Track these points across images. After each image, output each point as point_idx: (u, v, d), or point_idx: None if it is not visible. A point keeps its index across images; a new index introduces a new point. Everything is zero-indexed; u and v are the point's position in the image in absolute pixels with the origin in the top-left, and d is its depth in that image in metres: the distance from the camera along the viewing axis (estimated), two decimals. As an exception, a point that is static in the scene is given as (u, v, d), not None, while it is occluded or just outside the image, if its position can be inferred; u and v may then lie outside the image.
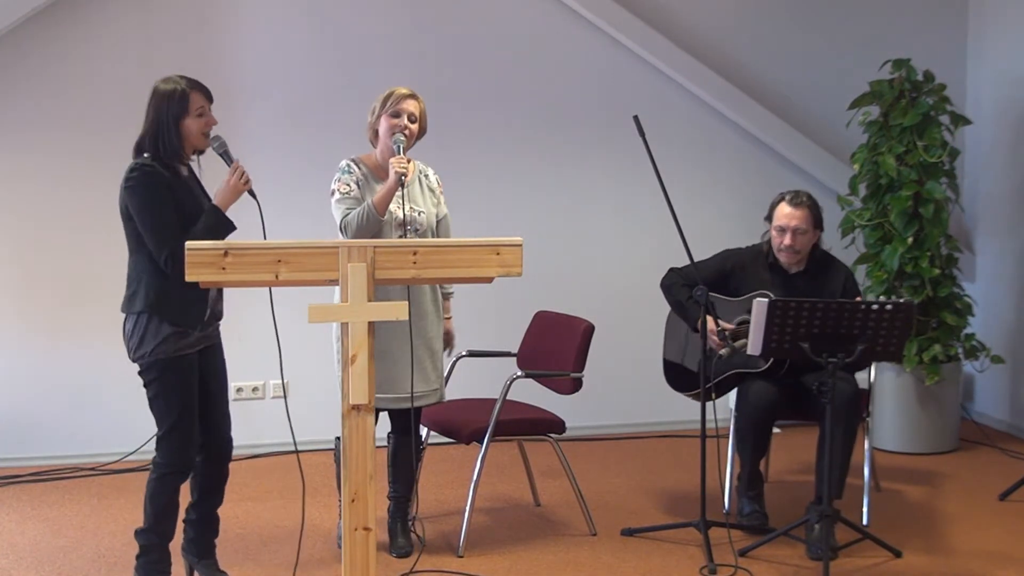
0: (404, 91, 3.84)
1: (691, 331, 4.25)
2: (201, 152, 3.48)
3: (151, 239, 3.29)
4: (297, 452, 3.46)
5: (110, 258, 4.91)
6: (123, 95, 5.17)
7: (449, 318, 4.10)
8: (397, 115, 3.80)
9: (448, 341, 4.11)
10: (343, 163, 3.90)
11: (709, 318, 3.99)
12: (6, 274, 5.22)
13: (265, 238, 3.30)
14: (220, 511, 3.69)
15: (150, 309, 3.32)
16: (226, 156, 3.44)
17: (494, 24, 5.64)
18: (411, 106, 3.82)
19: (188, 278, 2.59)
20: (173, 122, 3.34)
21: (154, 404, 3.39)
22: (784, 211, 4.18)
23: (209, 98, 3.43)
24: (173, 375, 3.36)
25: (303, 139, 5.44)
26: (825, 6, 6.00)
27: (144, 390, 3.41)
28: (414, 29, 5.55)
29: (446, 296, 4.10)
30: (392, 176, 3.67)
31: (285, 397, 3.61)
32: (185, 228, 3.29)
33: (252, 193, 3.42)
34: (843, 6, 6.01)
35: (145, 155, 3.36)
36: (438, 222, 3.97)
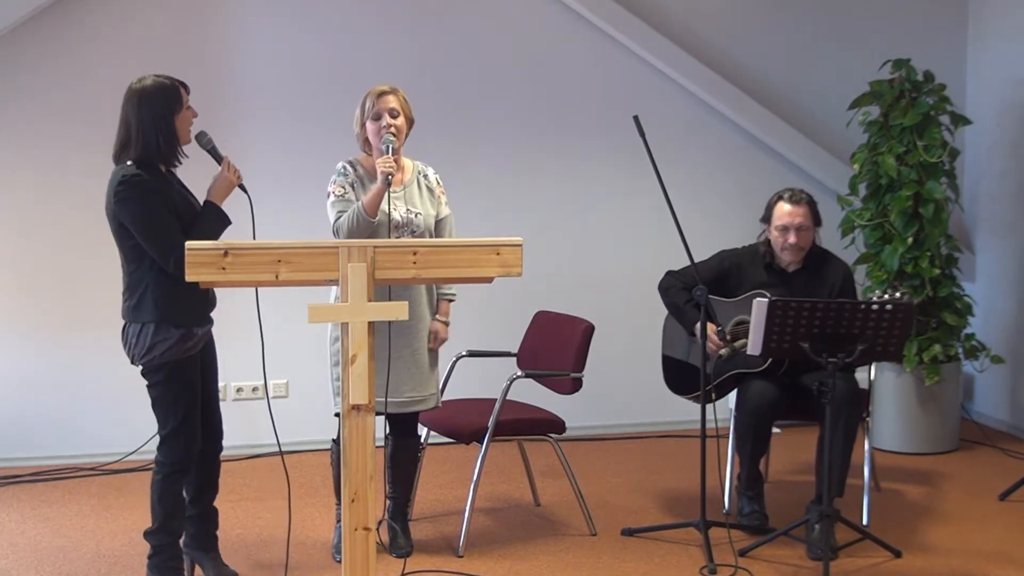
0: (377, 90, 3.81)
1: (688, 335, 4.24)
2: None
3: (154, 247, 3.24)
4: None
5: (109, 257, 4.89)
6: (120, 94, 5.17)
7: (446, 323, 3.99)
8: (378, 117, 3.78)
9: (433, 341, 3.93)
10: (339, 165, 3.89)
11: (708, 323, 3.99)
12: (5, 273, 5.22)
13: (255, 235, 3.29)
14: (220, 511, 3.69)
15: (161, 317, 3.29)
16: (214, 152, 3.40)
17: (493, 24, 5.64)
18: (389, 102, 3.78)
19: (188, 278, 2.58)
20: (170, 119, 3.29)
21: (159, 404, 3.38)
22: (784, 209, 4.18)
23: (188, 92, 3.40)
24: (180, 377, 3.36)
25: (301, 137, 5.44)
26: (825, 6, 6.00)
27: (147, 390, 3.41)
28: (413, 28, 5.55)
29: (447, 298, 4.01)
30: (379, 177, 3.66)
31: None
32: (182, 229, 3.27)
33: (243, 187, 3.41)
34: (843, 6, 6.01)
35: (128, 162, 3.29)
36: (438, 222, 3.94)
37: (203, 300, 3.37)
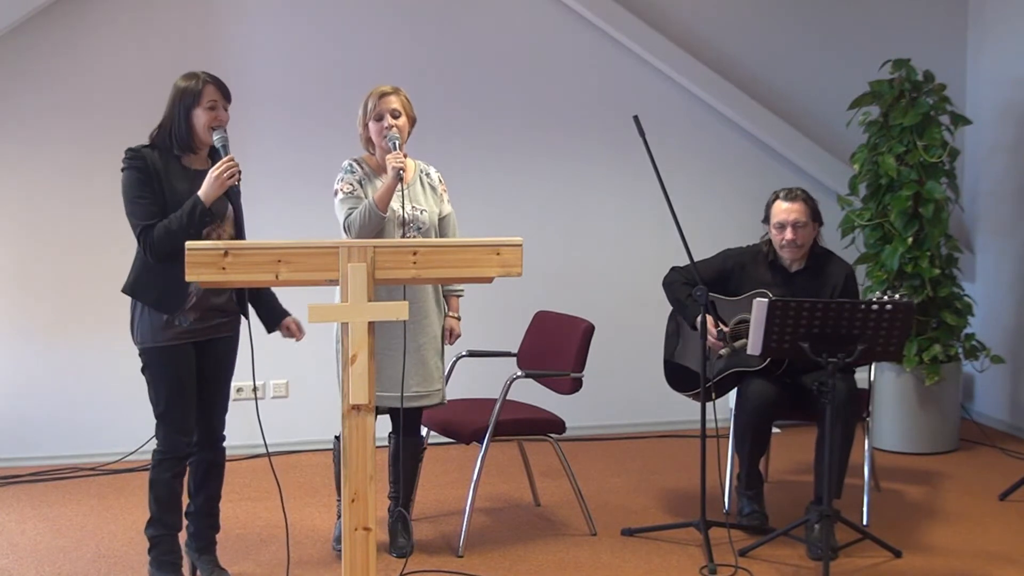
0: (379, 90, 3.83)
1: (691, 329, 4.25)
2: (214, 148, 3.49)
3: (128, 219, 3.38)
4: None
5: (109, 256, 4.91)
6: (121, 94, 5.18)
7: (458, 318, 4.09)
8: (380, 117, 3.80)
9: (450, 337, 4.08)
10: (345, 163, 3.90)
11: (708, 318, 3.99)
12: (4, 273, 5.21)
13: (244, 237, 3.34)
14: (221, 512, 3.69)
15: (130, 291, 3.42)
16: (224, 150, 3.44)
17: (493, 24, 5.64)
18: (391, 103, 3.81)
19: (188, 277, 2.62)
20: (184, 113, 3.40)
21: (149, 390, 3.48)
22: (781, 207, 4.20)
23: (225, 95, 3.48)
24: (161, 364, 3.42)
25: (301, 137, 5.44)
26: (825, 6, 6.00)
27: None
28: (415, 28, 5.55)
29: (455, 294, 4.09)
30: (390, 172, 3.68)
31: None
32: (166, 214, 3.34)
33: (235, 191, 3.43)
34: (843, 6, 6.01)
35: (148, 140, 3.44)
36: (441, 220, 3.96)
37: (176, 288, 3.34)
